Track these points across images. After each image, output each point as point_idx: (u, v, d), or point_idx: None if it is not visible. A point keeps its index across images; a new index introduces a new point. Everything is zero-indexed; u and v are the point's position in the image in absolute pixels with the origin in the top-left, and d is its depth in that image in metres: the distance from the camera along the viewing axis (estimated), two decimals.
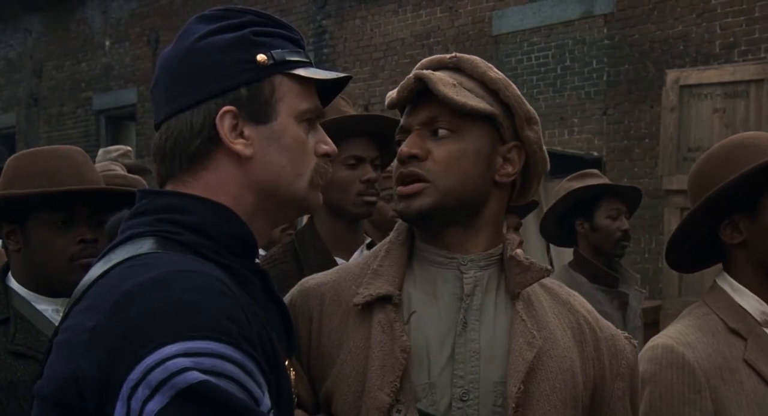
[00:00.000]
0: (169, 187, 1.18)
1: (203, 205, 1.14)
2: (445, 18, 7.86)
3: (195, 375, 0.94)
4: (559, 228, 3.38)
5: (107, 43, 11.49)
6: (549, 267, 1.38)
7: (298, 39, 1.24)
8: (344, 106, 2.25)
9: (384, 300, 1.29)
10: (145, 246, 1.08)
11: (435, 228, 1.35)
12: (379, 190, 2.19)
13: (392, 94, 1.37)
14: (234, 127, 1.16)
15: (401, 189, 1.33)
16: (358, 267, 1.39)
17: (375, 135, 2.15)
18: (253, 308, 1.08)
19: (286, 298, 1.38)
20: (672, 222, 5.20)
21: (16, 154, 2.07)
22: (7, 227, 1.94)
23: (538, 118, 1.37)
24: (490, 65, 1.37)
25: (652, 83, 6.42)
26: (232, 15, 1.20)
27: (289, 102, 1.19)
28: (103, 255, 1.12)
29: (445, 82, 1.31)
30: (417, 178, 1.32)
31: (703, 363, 1.58)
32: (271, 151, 1.18)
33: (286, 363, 1.19)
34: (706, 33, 6.27)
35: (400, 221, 1.41)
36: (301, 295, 1.38)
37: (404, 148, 1.33)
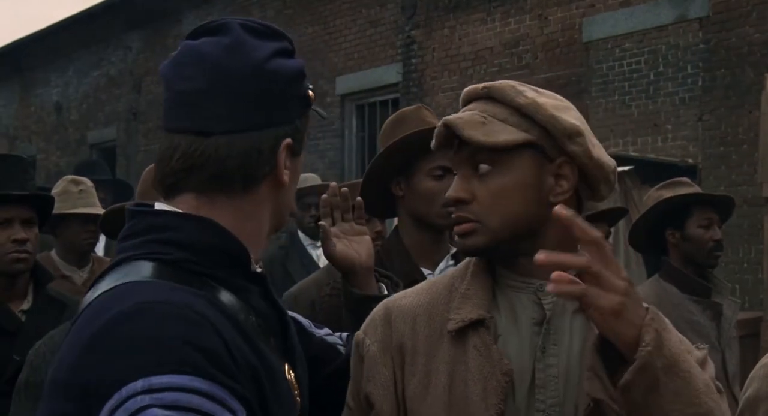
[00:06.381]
0: (188, 202, 1.16)
1: (188, 222, 1.13)
2: (534, 25, 7.78)
3: (154, 413, 0.94)
4: (648, 237, 3.31)
5: None
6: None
7: None
8: (429, 117, 2.24)
9: (476, 323, 1.32)
10: (132, 271, 1.08)
11: (502, 258, 1.38)
12: None
13: (434, 140, 1.42)
14: (287, 159, 1.22)
15: (455, 228, 1.37)
16: (446, 289, 1.41)
17: None
18: (237, 327, 1.08)
19: (380, 310, 1.42)
20: None
21: (150, 167, 2.33)
22: None
23: (580, 128, 1.34)
24: (521, 89, 1.36)
25: (751, 87, 6.21)
26: (280, 36, 1.23)
27: None
28: (97, 281, 1.13)
29: (471, 123, 1.33)
30: (467, 220, 1.35)
31: None
32: (293, 182, 1.26)
33: (285, 366, 1.20)
34: None
35: None
36: (397, 311, 1.41)
37: (450, 193, 1.38)
